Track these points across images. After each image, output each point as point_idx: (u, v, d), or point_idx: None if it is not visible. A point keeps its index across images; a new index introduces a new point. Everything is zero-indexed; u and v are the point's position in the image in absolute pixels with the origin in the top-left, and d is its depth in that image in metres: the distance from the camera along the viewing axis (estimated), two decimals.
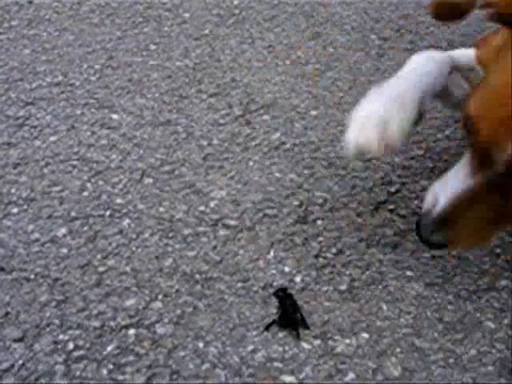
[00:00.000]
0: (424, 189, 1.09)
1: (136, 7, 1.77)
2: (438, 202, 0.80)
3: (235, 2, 1.84)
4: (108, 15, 1.72)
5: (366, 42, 1.63)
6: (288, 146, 1.18)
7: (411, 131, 0.86)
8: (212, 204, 1.03)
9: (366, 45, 1.61)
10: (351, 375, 0.76)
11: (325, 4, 1.85)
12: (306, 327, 0.80)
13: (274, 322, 0.80)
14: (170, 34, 1.62)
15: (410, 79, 0.88)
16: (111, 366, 0.77)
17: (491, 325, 0.85)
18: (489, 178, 0.75)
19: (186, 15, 1.74)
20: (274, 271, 0.90)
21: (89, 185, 1.07)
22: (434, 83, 0.90)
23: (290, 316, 0.80)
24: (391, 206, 1.04)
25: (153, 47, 1.55)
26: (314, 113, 1.30)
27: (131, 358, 0.78)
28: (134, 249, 0.94)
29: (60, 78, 1.39)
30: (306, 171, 1.11)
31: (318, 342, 0.80)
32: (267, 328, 0.80)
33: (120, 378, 0.75)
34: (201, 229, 0.98)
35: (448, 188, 0.79)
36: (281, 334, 0.81)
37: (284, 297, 0.82)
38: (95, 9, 1.75)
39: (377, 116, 0.83)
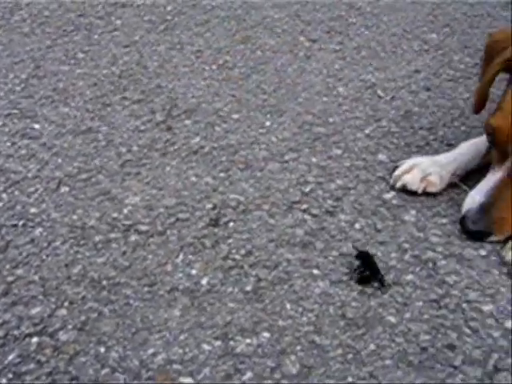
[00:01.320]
0: (339, 187, 1.12)
1: (68, 15, 1.77)
2: (477, 200, 0.98)
3: (168, 8, 1.85)
4: (39, 24, 1.72)
5: (295, 44, 1.65)
6: (207, 149, 1.20)
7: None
8: (125, 210, 1.03)
9: (294, 47, 1.63)
10: (249, 374, 0.77)
11: (257, 7, 1.86)
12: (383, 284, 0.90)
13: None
14: (100, 42, 1.62)
15: (451, 154, 1.14)
16: (11, 375, 0.77)
17: (392, 319, 0.87)
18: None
19: (118, 22, 1.74)
20: (180, 274, 0.91)
21: (4, 195, 1.07)
22: (470, 160, 1.13)
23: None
24: (304, 206, 1.06)
25: (81, 55, 1.55)
26: (235, 116, 1.31)
27: (32, 366, 0.78)
28: (44, 257, 0.94)
29: None
30: (222, 174, 1.12)
31: (218, 342, 0.81)
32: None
33: None
34: (112, 235, 0.98)
35: (483, 188, 0.99)
36: (182, 336, 0.82)
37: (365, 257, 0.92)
38: (27, 18, 1.75)
39: (421, 167, 1.09)
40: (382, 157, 1.20)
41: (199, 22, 1.76)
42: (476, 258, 0.96)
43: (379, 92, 1.43)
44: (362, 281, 0.90)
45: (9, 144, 1.20)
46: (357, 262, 0.92)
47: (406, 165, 1.11)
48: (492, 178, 0.99)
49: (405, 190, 1.08)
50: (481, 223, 0.97)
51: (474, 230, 0.98)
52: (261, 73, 1.49)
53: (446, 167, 1.10)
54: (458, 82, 1.43)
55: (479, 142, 1.13)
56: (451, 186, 1.09)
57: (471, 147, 1.14)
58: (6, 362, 0.78)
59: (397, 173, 1.10)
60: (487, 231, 0.98)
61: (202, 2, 1.90)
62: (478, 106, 1.07)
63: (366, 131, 1.29)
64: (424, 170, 1.08)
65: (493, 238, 0.99)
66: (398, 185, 1.09)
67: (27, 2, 1.84)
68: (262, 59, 1.56)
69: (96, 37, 1.65)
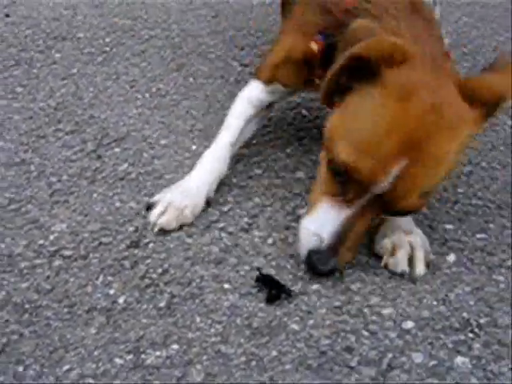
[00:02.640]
0: (256, 205, 1.19)
1: (10, 50, 1.83)
2: (323, 238, 0.93)
3: (107, 39, 1.92)
4: None
5: (228, 69, 1.73)
6: (133, 175, 1.26)
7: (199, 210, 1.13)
8: (52, 237, 1.09)
9: (226, 72, 1.71)
10: None
11: (194, 35, 1.95)
12: (289, 294, 0.96)
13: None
14: (39, 76, 1.69)
15: (200, 183, 1.14)
16: None
17: (296, 327, 0.94)
18: (364, 203, 0.90)
19: (58, 56, 1.81)
20: (99, 295, 0.97)
21: None
22: (218, 175, 1.17)
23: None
24: (221, 225, 1.13)
25: (19, 89, 1.61)
26: (163, 142, 1.38)
27: None
28: None
29: None
30: (145, 198, 1.18)
31: (130, 356, 0.88)
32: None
33: None
34: (38, 261, 1.04)
35: (328, 222, 0.93)
36: (96, 352, 0.88)
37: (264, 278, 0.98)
38: None
39: (175, 205, 1.10)
40: (299, 174, 1.28)
41: (136, 51, 1.84)
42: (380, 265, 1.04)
43: (303, 112, 1.52)
44: (271, 300, 0.96)
45: None
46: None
47: (160, 206, 1.10)
48: (335, 216, 0.93)
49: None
50: (331, 262, 0.94)
51: (326, 270, 0.95)
52: (191, 99, 1.57)
53: (195, 198, 1.12)
54: None
55: (220, 152, 1.17)
56: None
57: (215, 160, 1.16)
58: None
59: (153, 218, 1.10)
60: (335, 269, 0.97)
61: (140, 32, 1.98)
62: (324, 99, 0.97)
63: (288, 150, 1.36)
64: (178, 207, 1.09)
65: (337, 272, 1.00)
66: (155, 230, 1.09)
67: None
68: (194, 86, 1.63)
69: (35, 71, 1.71)
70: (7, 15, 2.09)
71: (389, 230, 1.04)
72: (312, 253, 0.94)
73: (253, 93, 1.22)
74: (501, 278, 1.03)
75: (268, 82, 1.21)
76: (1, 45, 1.88)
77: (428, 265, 1.02)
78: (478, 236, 1.12)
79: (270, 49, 1.25)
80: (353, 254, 0.98)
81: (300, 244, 0.97)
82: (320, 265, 0.94)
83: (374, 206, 0.91)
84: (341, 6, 1.01)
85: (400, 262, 1.00)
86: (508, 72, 0.88)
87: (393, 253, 1.02)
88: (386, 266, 1.02)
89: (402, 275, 1.01)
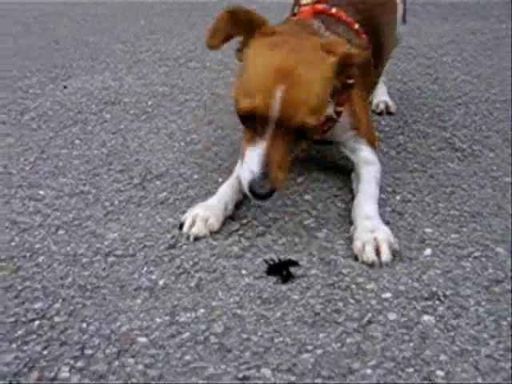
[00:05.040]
0: (270, 219, 1.46)
1: (68, 113, 2.20)
2: (253, 169, 1.22)
3: (149, 103, 2.28)
4: (44, 121, 2.14)
5: None
6: (171, 200, 1.56)
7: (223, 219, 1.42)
8: (106, 242, 1.38)
9: None
10: (187, 334, 1.10)
11: (223, 97, 2.30)
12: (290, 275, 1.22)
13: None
14: (93, 131, 2.04)
15: (218, 198, 1.44)
16: None
17: (296, 297, 1.18)
18: (271, 131, 1.22)
19: (108, 116, 2.17)
20: (143, 279, 1.25)
21: (17, 238, 1.43)
22: (232, 198, 1.45)
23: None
24: (241, 232, 1.41)
25: (77, 142, 1.96)
26: (196, 176, 1.69)
27: None
28: (44, 271, 1.28)
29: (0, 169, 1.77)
30: (181, 215, 1.47)
31: (167, 317, 1.14)
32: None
33: None
34: (95, 258, 1.33)
35: (253, 158, 1.23)
36: (141, 315, 1.15)
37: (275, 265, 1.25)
38: (34, 117, 2.18)
39: (200, 216, 1.38)
40: (307, 196, 1.56)
41: (174, 111, 2.18)
42: None
43: (312, 152, 1.81)
44: (286, 280, 1.22)
45: (20, 205, 1.57)
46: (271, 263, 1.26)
47: (189, 218, 1.38)
48: (256, 152, 1.22)
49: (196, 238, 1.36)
50: (266, 185, 1.21)
51: (264, 193, 1.21)
52: (220, 145, 1.88)
53: (216, 209, 1.39)
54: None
55: (233, 181, 1.46)
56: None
57: (229, 186, 1.45)
58: None
59: (185, 229, 1.37)
60: (272, 189, 1.22)
61: (177, 96, 2.34)
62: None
63: (298, 180, 1.65)
64: (203, 217, 1.37)
65: (277, 193, 1.26)
66: (191, 239, 1.35)
67: (35, 106, 2.29)
68: (222, 135, 1.96)
69: (90, 127, 2.06)
70: (65, 87, 2.48)
71: (358, 233, 1.30)
72: (250, 183, 1.22)
73: None
74: (468, 265, 1.27)
75: None
76: (60, 110, 2.25)
77: (394, 253, 1.27)
78: (452, 236, 1.37)
79: None
80: (284, 174, 1.26)
81: (242, 183, 1.26)
82: (258, 189, 1.21)
83: (280, 130, 1.21)
84: None
85: (369, 255, 1.25)
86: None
87: (363, 249, 1.27)
88: (362, 261, 1.27)
89: (372, 264, 1.25)
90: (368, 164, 1.50)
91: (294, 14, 1.56)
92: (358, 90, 1.43)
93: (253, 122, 1.23)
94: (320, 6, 1.52)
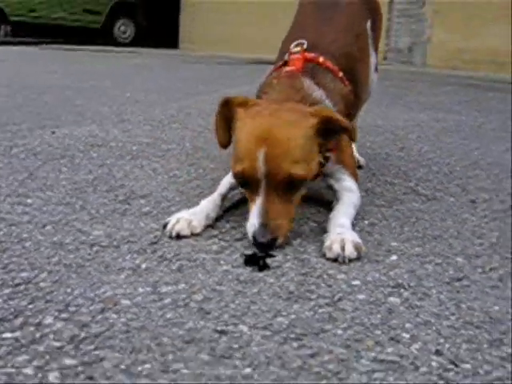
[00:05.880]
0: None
1: (56, 150, 2.30)
2: (254, 223, 1.36)
3: (133, 148, 2.41)
4: (33, 154, 2.24)
5: (228, 167, 2.18)
6: (154, 212, 1.66)
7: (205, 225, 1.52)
8: (91, 237, 1.46)
9: (228, 168, 2.16)
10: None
11: (205, 148, 2.44)
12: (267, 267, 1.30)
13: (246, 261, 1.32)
14: (80, 164, 2.14)
15: (201, 208, 1.57)
16: None
17: (272, 280, 1.26)
18: (264, 188, 1.36)
19: (94, 155, 2.29)
20: (127, 262, 1.32)
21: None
22: (213, 209, 1.59)
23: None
24: (220, 236, 1.50)
25: (64, 169, 2.06)
26: (178, 199, 1.79)
27: None
28: (29, 244, 1.34)
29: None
30: (161, 221, 1.56)
31: (149, 288, 1.20)
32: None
33: None
34: (81, 246, 1.40)
35: (253, 214, 1.37)
36: (125, 285, 1.21)
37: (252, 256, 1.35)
38: (23, 150, 2.27)
39: (184, 218, 1.50)
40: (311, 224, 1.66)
41: (157, 155, 2.32)
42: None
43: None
44: (247, 262, 1.32)
45: (8, 207, 1.64)
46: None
47: (173, 219, 1.49)
48: (256, 206, 1.36)
49: (178, 236, 1.45)
50: (267, 234, 1.34)
51: (266, 241, 1.33)
52: (201, 180, 2.00)
53: (199, 215, 1.51)
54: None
55: (214, 197, 1.61)
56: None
57: (210, 200, 1.59)
58: None
59: (169, 227, 1.47)
60: (274, 238, 1.35)
61: (160, 145, 2.48)
62: (220, 144, 1.59)
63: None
64: (187, 219, 1.48)
65: (280, 241, 1.37)
66: (174, 234, 1.45)
67: (23, 143, 2.39)
68: (203, 174, 2.08)
69: (77, 161, 2.17)
70: (53, 132, 2.62)
71: (328, 235, 1.43)
72: (253, 234, 1.36)
73: None
74: (430, 267, 1.37)
75: None
76: (48, 148, 2.36)
77: (358, 251, 1.37)
78: (416, 249, 1.48)
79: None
80: (286, 223, 1.39)
81: (248, 236, 1.39)
82: (259, 239, 1.34)
83: (272, 185, 1.36)
84: None
85: (334, 250, 1.36)
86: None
87: (330, 246, 1.38)
88: (328, 258, 1.37)
89: (337, 259, 1.36)
90: (349, 191, 1.64)
91: (285, 62, 1.72)
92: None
93: (247, 184, 1.40)
94: (309, 55, 1.70)
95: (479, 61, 8.27)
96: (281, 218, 1.37)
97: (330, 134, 1.47)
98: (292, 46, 1.75)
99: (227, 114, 1.50)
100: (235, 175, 1.42)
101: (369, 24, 2.01)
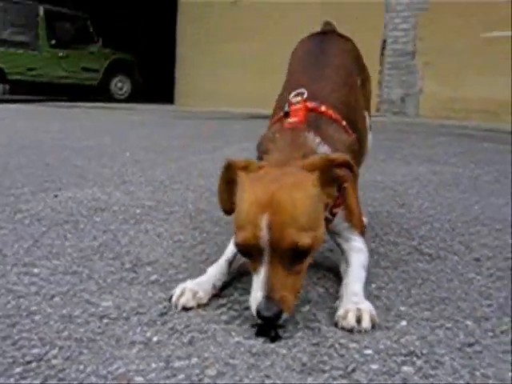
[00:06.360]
0: None
1: (59, 215, 2.32)
2: (259, 295, 1.28)
3: (137, 211, 2.43)
4: (37, 219, 2.25)
5: (232, 231, 2.19)
6: (162, 281, 1.66)
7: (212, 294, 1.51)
8: (100, 309, 1.46)
9: (232, 232, 2.17)
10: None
11: (207, 211, 2.46)
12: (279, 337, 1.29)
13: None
14: (84, 229, 2.15)
15: (207, 277, 1.55)
16: None
17: (283, 351, 1.27)
18: (268, 258, 1.30)
19: (98, 219, 2.29)
20: None
21: None
22: (219, 278, 1.56)
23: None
24: (229, 305, 1.50)
25: (69, 236, 2.07)
26: (184, 265, 1.79)
27: None
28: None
29: None
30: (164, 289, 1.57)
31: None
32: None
33: None
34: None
35: (257, 285, 1.30)
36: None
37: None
38: (27, 216, 2.28)
39: (189, 288, 1.48)
40: None
41: (161, 219, 2.33)
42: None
43: None
44: (258, 333, 1.32)
45: (15, 278, 1.64)
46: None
47: (178, 290, 1.46)
48: (260, 278, 1.28)
49: (184, 308, 1.42)
50: (272, 308, 1.25)
51: (271, 315, 1.25)
52: (206, 244, 2.01)
53: (205, 285, 1.49)
54: None
55: (220, 264, 1.58)
56: None
57: (217, 268, 1.57)
58: None
59: (174, 299, 1.44)
60: (279, 311, 1.26)
61: (163, 208, 2.50)
62: (223, 210, 1.53)
63: None
64: (192, 290, 1.46)
65: (286, 316, 1.29)
66: (179, 308, 1.42)
67: (27, 208, 2.41)
68: (208, 237, 2.09)
69: (81, 226, 2.18)
70: (56, 195, 2.64)
71: (342, 303, 1.41)
72: (257, 309, 1.28)
73: None
74: (441, 332, 1.37)
75: None
76: (51, 212, 2.37)
77: (373, 323, 1.36)
78: (425, 313, 1.48)
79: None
80: (291, 295, 1.30)
81: (252, 311, 1.31)
82: (264, 312, 1.26)
83: (276, 255, 1.29)
84: None
85: (349, 321, 1.35)
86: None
87: (345, 316, 1.36)
88: (341, 327, 1.36)
89: (351, 330, 1.34)
90: (358, 252, 1.63)
91: (286, 114, 1.66)
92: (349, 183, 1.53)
93: (250, 253, 1.32)
94: (311, 105, 1.65)
95: (470, 110, 8.41)
96: (286, 290, 1.28)
97: (334, 180, 1.42)
98: (291, 96, 1.70)
99: (230, 177, 1.44)
100: (236, 244, 1.34)
101: (359, 82, 2.04)
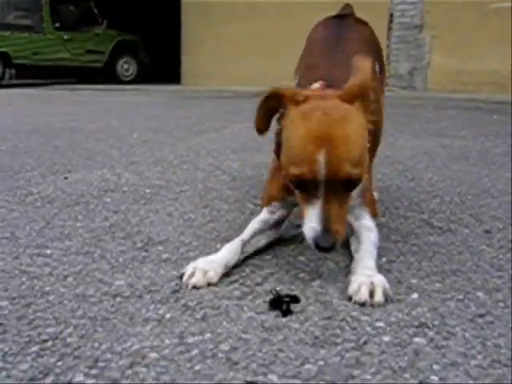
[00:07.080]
0: (268, 274, 1.57)
1: (70, 197, 2.33)
2: (315, 226, 1.34)
3: (147, 191, 2.44)
4: (48, 201, 2.26)
5: (242, 208, 2.20)
6: (173, 259, 1.67)
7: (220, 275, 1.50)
8: (113, 287, 1.47)
9: (242, 208, 2.18)
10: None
11: (216, 189, 2.47)
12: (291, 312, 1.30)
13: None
14: (94, 210, 2.17)
15: (220, 256, 1.55)
16: None
17: (295, 325, 1.28)
18: (324, 190, 1.34)
19: (108, 200, 2.31)
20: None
21: None
22: (231, 258, 1.56)
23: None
24: (241, 281, 1.51)
25: (80, 217, 2.08)
26: (195, 243, 1.80)
27: None
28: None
29: None
30: (175, 266, 1.58)
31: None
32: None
33: None
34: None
35: (313, 216, 1.35)
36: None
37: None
38: (38, 199, 2.30)
39: (200, 268, 1.48)
40: (301, 258, 1.68)
41: (171, 198, 2.34)
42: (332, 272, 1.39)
43: None
44: (272, 304, 1.33)
45: (28, 260, 1.65)
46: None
47: (189, 269, 1.47)
48: (315, 210, 1.34)
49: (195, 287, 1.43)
50: (330, 239, 1.33)
51: (329, 246, 1.33)
52: (216, 222, 2.02)
53: (216, 264, 1.49)
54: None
55: (235, 243, 1.59)
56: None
57: (231, 247, 1.57)
58: None
59: (184, 279, 1.46)
60: (335, 242, 1.33)
61: (173, 188, 2.50)
62: (257, 130, 1.53)
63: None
64: (203, 269, 1.46)
65: (338, 245, 1.36)
66: (190, 287, 1.43)
67: (38, 191, 2.42)
68: (218, 216, 2.10)
69: (92, 207, 2.20)
70: (66, 178, 2.65)
71: (355, 277, 1.42)
72: (314, 239, 1.34)
73: (261, 216, 1.71)
74: (452, 304, 1.37)
75: (267, 204, 1.70)
76: (62, 194, 2.39)
77: (386, 297, 1.37)
78: (436, 285, 1.49)
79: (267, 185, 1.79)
80: (342, 225, 1.36)
81: (307, 239, 1.36)
82: (323, 243, 1.32)
83: (331, 188, 1.33)
84: None
85: (362, 295, 1.36)
86: (356, 74, 1.45)
87: (358, 290, 1.38)
88: (354, 302, 1.37)
89: (364, 304, 1.36)
90: (368, 230, 1.63)
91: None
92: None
93: (304, 186, 1.37)
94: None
95: (479, 82, 8.34)
96: (339, 221, 1.35)
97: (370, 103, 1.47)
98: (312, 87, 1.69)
99: (274, 105, 1.47)
100: (291, 178, 1.39)
101: (377, 68, 2.03)
